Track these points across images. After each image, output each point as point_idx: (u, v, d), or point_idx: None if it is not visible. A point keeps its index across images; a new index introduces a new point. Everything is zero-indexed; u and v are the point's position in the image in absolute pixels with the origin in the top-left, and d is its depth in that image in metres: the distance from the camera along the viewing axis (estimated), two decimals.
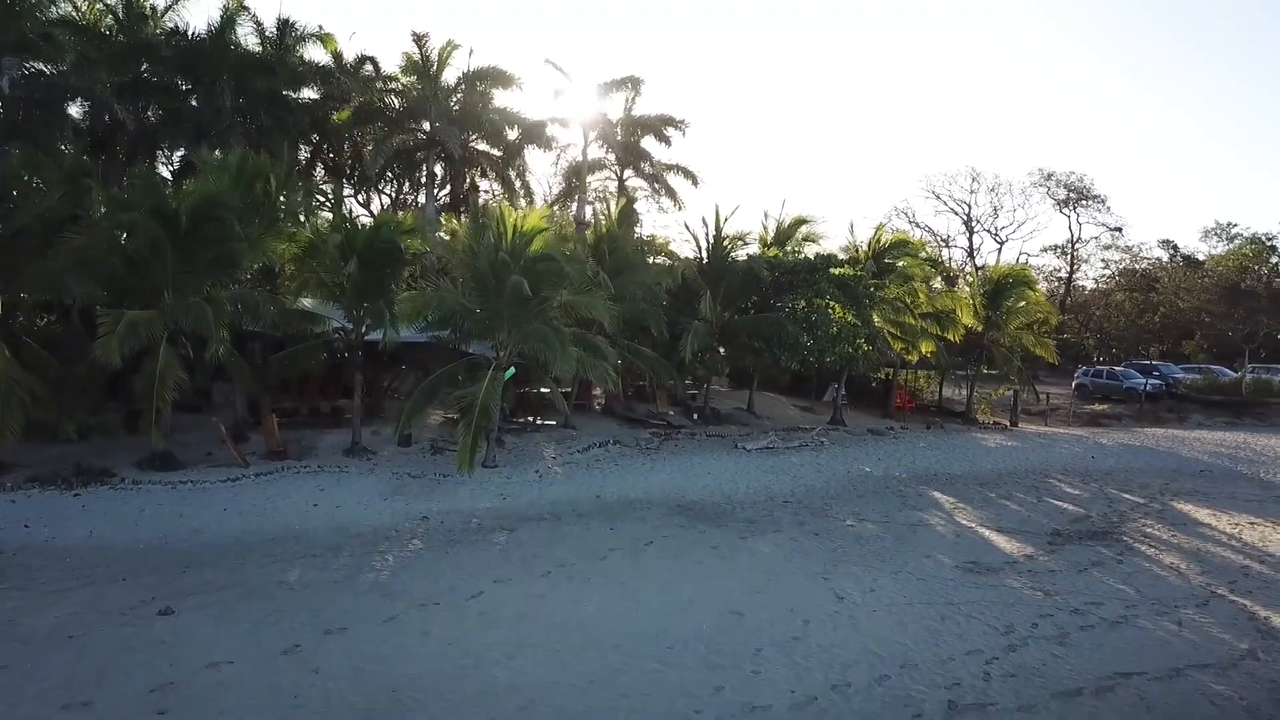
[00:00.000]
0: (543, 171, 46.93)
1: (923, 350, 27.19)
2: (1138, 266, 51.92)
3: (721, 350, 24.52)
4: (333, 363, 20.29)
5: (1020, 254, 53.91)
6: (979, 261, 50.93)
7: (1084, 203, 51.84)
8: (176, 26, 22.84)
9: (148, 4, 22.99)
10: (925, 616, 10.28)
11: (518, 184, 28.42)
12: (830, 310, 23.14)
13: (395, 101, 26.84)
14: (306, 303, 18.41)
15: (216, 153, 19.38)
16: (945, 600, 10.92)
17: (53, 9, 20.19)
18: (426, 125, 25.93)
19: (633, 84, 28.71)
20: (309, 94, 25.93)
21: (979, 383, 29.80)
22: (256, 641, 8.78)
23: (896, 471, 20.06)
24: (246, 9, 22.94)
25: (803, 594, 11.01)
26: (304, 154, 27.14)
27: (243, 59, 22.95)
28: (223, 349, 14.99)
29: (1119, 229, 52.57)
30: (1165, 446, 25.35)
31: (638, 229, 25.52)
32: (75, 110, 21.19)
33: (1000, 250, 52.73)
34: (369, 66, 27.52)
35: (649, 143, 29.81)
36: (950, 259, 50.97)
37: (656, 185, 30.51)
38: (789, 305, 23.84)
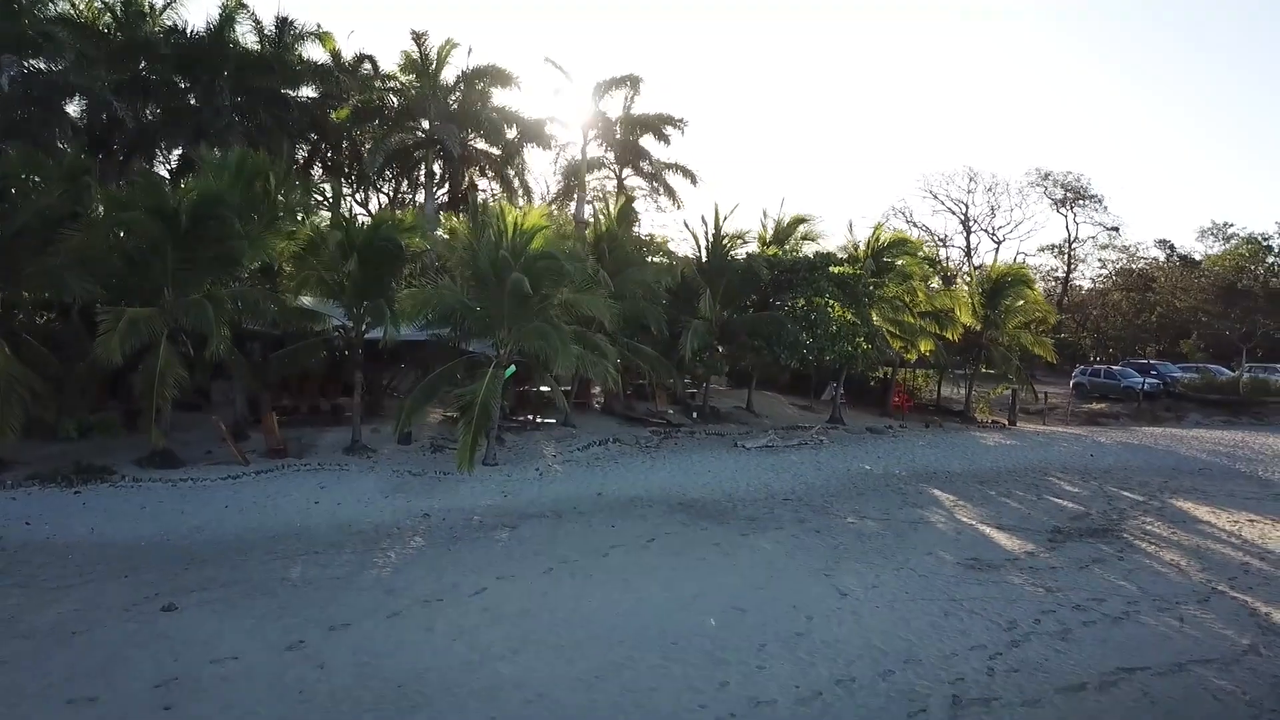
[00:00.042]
0: (542, 170, 47.22)
1: (921, 349, 27.22)
2: (1134, 266, 52.12)
3: (721, 349, 24.53)
4: (332, 361, 20.31)
5: (1017, 253, 54.09)
6: (976, 261, 51.09)
7: (1081, 202, 52.07)
8: (175, 24, 22.87)
9: (146, 2, 22.95)
10: (928, 612, 10.29)
11: (516, 183, 28.49)
12: (829, 309, 23.16)
13: (394, 100, 26.86)
14: (306, 301, 18.38)
15: (215, 151, 19.36)
16: (947, 596, 10.93)
17: (51, 7, 20.21)
18: (425, 124, 25.97)
19: (632, 83, 28.78)
20: (308, 92, 25.93)
21: (977, 382, 29.84)
22: (261, 637, 8.75)
23: (896, 469, 20.10)
24: (245, 7, 22.96)
25: (805, 590, 11.02)
26: (303, 152, 27.10)
27: (241, 57, 22.95)
28: (223, 347, 14.96)
29: (1116, 229, 52.88)
30: (1163, 445, 25.42)
31: (637, 228, 25.52)
32: (74, 108, 21.18)
33: (998, 250, 52.95)
34: (368, 65, 27.58)
35: (648, 141, 29.91)
36: (948, 258, 51.15)
37: (655, 184, 30.58)
38: (788, 304, 23.87)
